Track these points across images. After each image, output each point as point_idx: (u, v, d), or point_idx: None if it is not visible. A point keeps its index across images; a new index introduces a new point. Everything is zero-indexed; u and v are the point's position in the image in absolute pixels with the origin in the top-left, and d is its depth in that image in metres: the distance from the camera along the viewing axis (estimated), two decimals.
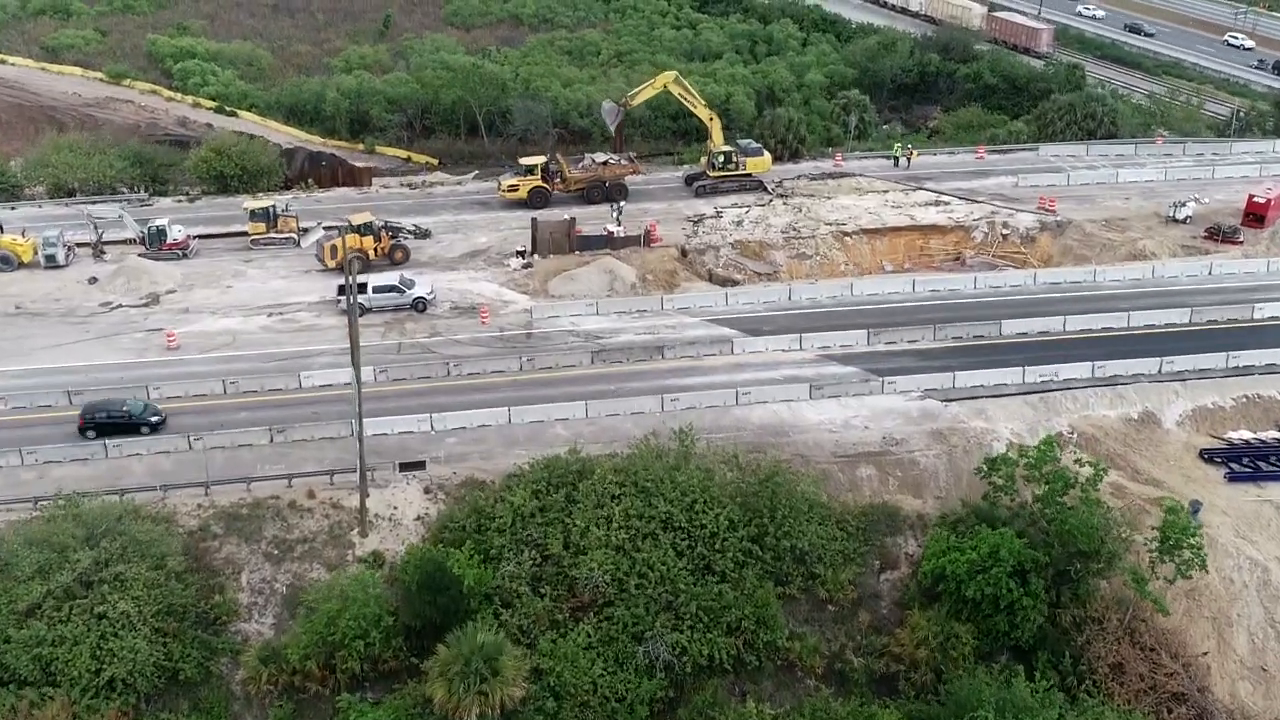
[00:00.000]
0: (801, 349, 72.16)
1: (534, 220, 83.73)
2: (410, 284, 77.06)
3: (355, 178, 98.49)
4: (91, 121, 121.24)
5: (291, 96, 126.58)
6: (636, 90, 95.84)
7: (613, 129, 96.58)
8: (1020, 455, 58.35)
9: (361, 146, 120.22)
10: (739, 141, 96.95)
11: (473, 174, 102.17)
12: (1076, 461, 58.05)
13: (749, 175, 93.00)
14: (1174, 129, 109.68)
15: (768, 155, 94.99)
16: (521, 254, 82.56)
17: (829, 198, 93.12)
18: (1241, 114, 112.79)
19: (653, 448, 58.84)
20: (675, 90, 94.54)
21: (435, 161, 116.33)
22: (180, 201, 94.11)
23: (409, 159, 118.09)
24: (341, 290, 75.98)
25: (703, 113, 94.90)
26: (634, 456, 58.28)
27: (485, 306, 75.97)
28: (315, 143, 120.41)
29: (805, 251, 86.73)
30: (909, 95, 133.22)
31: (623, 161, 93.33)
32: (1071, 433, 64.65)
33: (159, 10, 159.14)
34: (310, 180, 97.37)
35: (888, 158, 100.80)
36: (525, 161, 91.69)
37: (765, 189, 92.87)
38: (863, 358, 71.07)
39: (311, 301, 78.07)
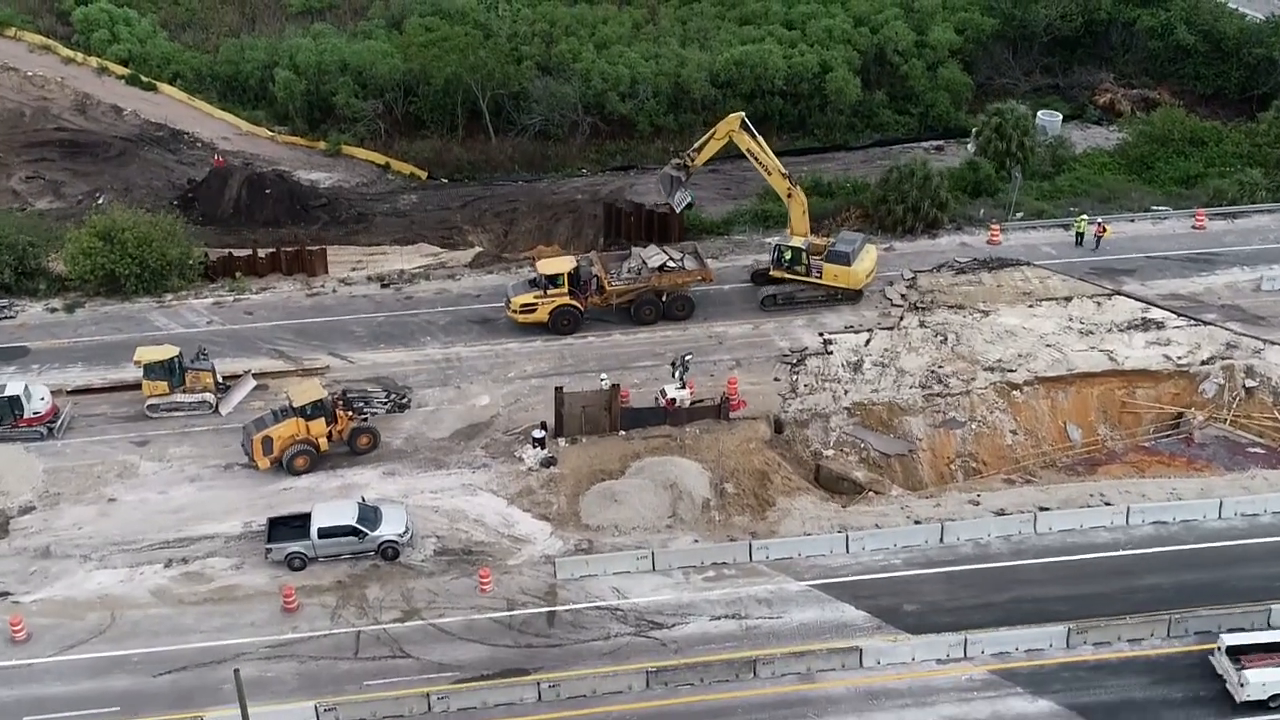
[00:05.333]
0: (966, 656, 53.96)
1: (558, 392, 64.87)
2: (375, 516, 59.03)
3: (305, 263, 79.23)
4: None
5: (229, 66, 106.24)
6: (699, 145, 75.25)
7: (676, 206, 76.25)
8: None
9: (324, 145, 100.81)
10: (843, 233, 76.62)
11: (474, 253, 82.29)
12: None
13: (832, 286, 73.63)
14: None
15: (871, 253, 74.98)
16: (540, 442, 64.12)
17: (985, 312, 73.49)
18: None
19: None
20: (742, 144, 74.10)
21: (423, 174, 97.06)
22: (54, 311, 75.53)
23: (387, 167, 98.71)
24: (275, 529, 58.39)
25: (778, 183, 74.51)
26: None
27: (487, 566, 57.90)
28: (262, 135, 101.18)
29: (955, 416, 67.80)
30: (1068, 53, 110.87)
31: (686, 263, 73.41)
32: None
33: None
34: (238, 270, 78.42)
35: (1065, 228, 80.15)
36: (546, 268, 72.16)
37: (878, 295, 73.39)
38: (1063, 679, 52.98)
39: (232, 535, 60.54)
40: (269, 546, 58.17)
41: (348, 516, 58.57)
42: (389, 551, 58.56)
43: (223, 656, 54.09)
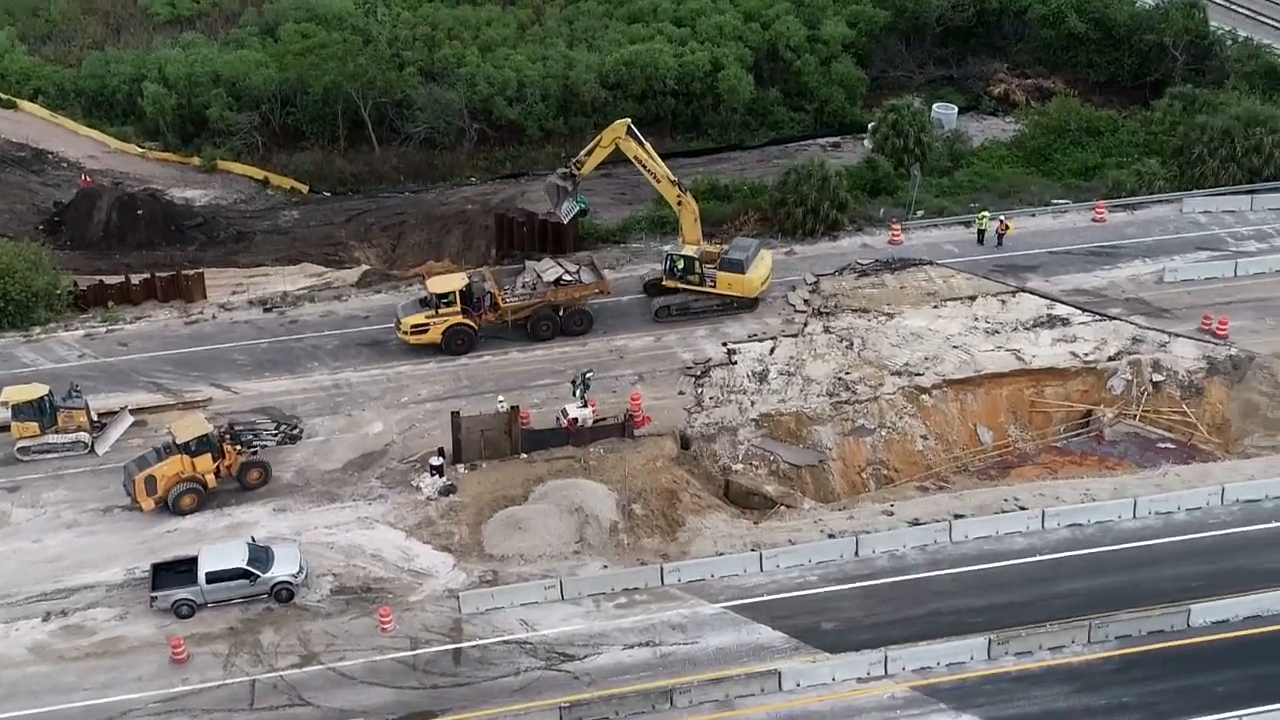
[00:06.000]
0: (887, 673, 53.48)
1: (455, 416, 63.46)
2: (266, 557, 57.20)
3: (182, 288, 76.82)
4: None
5: (94, 80, 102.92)
6: (586, 153, 74.30)
7: (564, 217, 75.15)
8: None
9: (198, 161, 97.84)
10: (737, 240, 76.06)
11: (361, 271, 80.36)
12: None
13: (727, 295, 73.10)
14: None
15: (766, 260, 74.59)
16: (438, 470, 62.68)
17: (890, 314, 73.33)
18: None
19: None
20: (629, 151, 73.35)
21: (304, 188, 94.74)
22: None
23: (266, 182, 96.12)
24: (159, 576, 56.50)
25: (667, 191, 73.83)
26: None
27: (387, 603, 56.33)
28: (131, 153, 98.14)
29: (864, 424, 67.56)
30: (961, 44, 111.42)
31: (583, 276, 72.32)
32: None
33: None
34: (111, 299, 75.86)
35: (967, 225, 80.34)
36: (437, 286, 70.65)
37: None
38: (986, 692, 52.62)
39: (114, 584, 58.26)
40: (154, 594, 56.02)
41: (237, 558, 56.62)
42: (283, 593, 56.71)
43: (108, 715, 52.03)
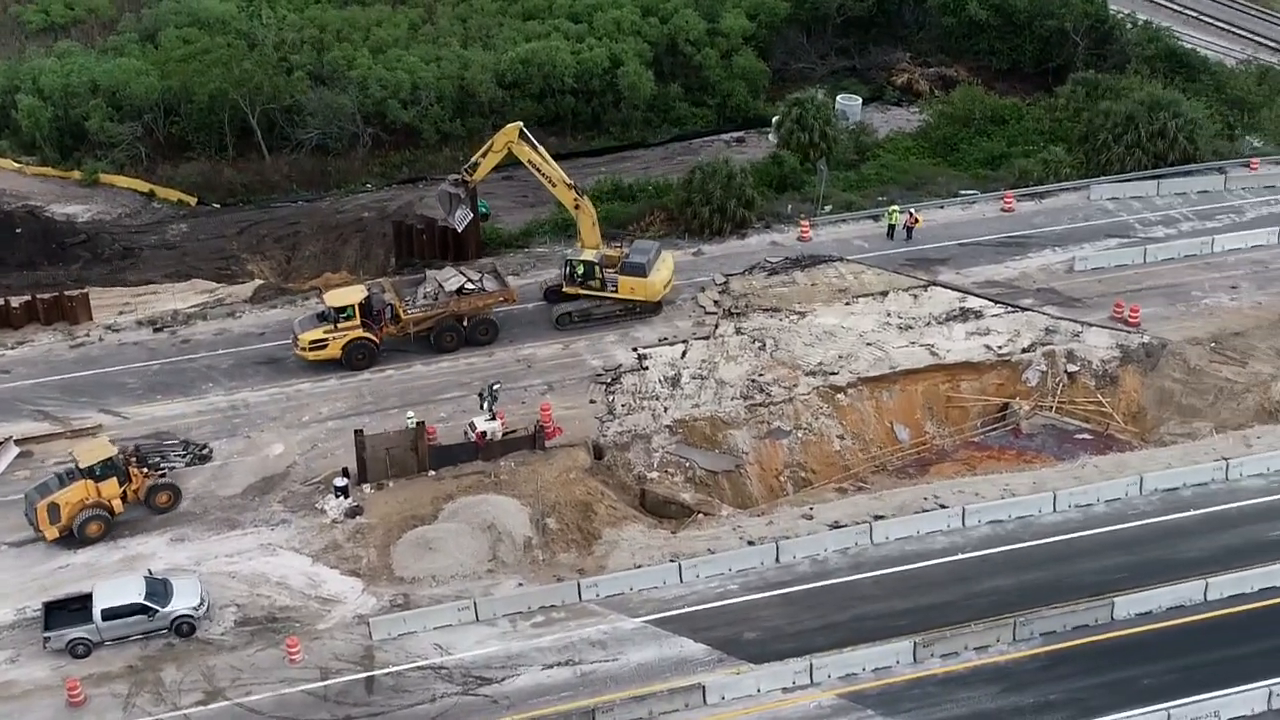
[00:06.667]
0: (813, 682, 53.42)
1: (358, 434, 62.56)
2: (165, 590, 55.97)
3: (66, 310, 74.94)
4: None
5: None
6: (478, 158, 73.80)
7: (458, 225, 74.57)
8: None
9: (79, 175, 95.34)
10: (637, 243, 75.87)
11: (255, 286, 78.93)
12: None
13: (629, 300, 72.83)
14: (1267, 134, 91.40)
15: (668, 262, 74.40)
16: (343, 491, 61.73)
17: (802, 313, 73.52)
18: None
19: None
20: (522, 155, 73.07)
21: (192, 200, 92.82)
22: None
23: (152, 195, 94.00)
24: (52, 615, 55.17)
25: (564, 195, 73.58)
26: None
27: (294, 633, 55.31)
28: (7, 168, 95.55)
29: (780, 426, 67.69)
30: (863, 33, 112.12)
31: (486, 284, 71.61)
32: None
33: None
34: None
35: (876, 219, 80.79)
36: (335, 300, 69.66)
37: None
38: (913, 697, 52.74)
39: (3, 624, 56.76)
40: (46, 634, 54.49)
41: (134, 593, 55.25)
42: (184, 627, 55.48)
43: None
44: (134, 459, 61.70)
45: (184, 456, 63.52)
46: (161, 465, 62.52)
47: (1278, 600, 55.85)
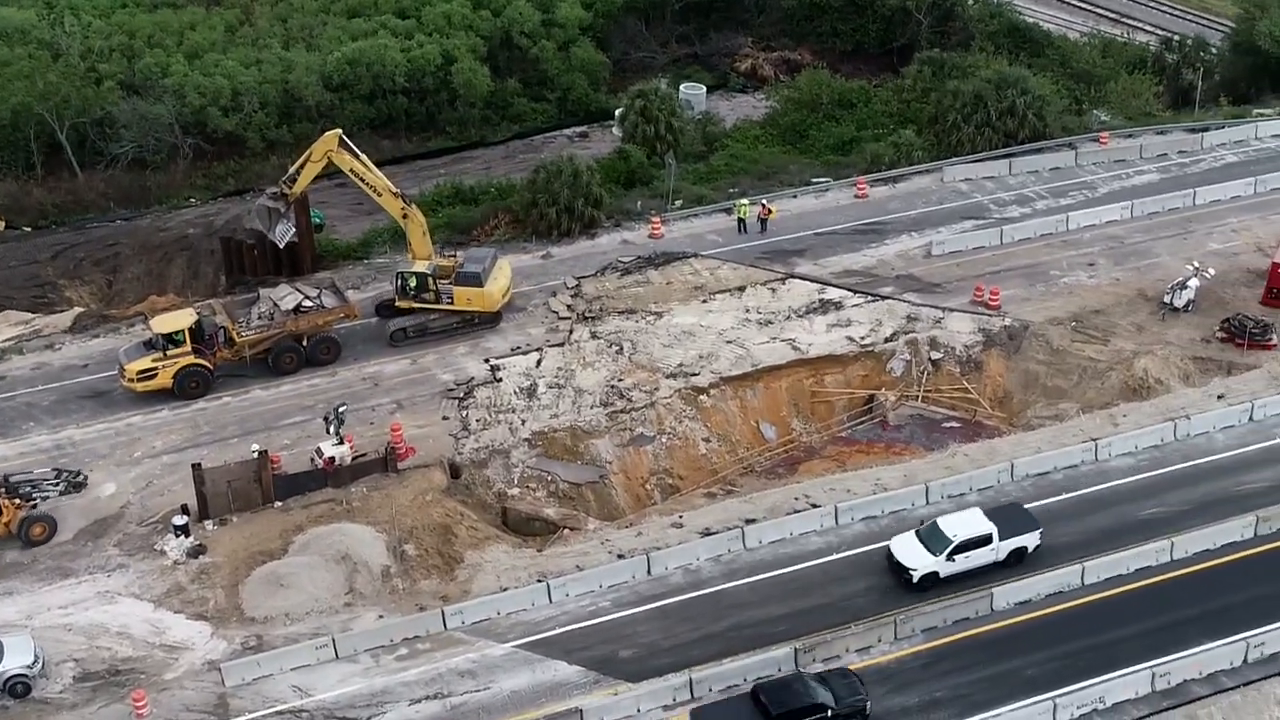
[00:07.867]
0: (694, 697, 53.50)
1: (196, 469, 61.11)
2: None
3: None
4: None
5: None
6: (296, 169, 73.03)
7: (280, 241, 73.65)
8: None
9: None
10: (470, 252, 75.53)
11: (74, 314, 76.79)
12: None
13: (467, 311, 72.39)
14: (1114, 107, 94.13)
15: (505, 270, 74.24)
16: (183, 529, 60.37)
17: (659, 313, 73.86)
18: (1195, 67, 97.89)
19: None
20: (343, 164, 72.46)
21: None
22: None
23: None
24: None
25: (390, 204, 73.05)
26: None
27: (140, 686, 53.75)
28: None
29: (643, 432, 67.93)
30: (703, 19, 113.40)
31: (325, 300, 70.52)
32: None
33: None
34: None
35: (728, 212, 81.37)
36: (161, 326, 68.19)
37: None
38: None
39: None
40: None
41: None
42: (17, 688, 53.71)
43: None
44: (3, 489, 60.12)
45: (57, 485, 61.97)
46: (34, 495, 60.81)
47: (1154, 580, 57.45)
